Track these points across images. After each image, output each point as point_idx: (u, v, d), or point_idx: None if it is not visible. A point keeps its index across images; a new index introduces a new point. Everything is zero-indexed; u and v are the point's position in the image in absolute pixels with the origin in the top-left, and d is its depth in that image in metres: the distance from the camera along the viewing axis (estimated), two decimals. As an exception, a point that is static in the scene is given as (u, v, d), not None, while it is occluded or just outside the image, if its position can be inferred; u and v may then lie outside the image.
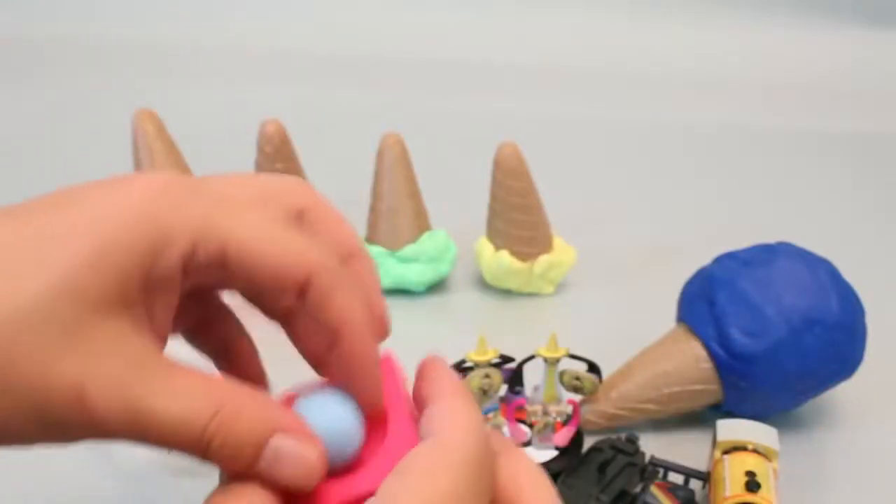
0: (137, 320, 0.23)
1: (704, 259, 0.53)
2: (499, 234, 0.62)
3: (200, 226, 0.23)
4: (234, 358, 0.29)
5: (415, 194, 0.63)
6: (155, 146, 0.62)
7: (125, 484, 0.46)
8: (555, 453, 0.46)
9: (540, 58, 1.20)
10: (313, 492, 0.24)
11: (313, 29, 1.26)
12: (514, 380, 0.47)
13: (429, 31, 1.24)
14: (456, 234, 0.65)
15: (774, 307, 0.47)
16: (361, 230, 0.64)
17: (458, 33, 1.24)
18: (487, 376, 0.46)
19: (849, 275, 0.50)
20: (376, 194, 0.62)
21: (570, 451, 0.47)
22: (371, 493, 0.24)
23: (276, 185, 0.27)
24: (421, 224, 0.63)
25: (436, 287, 0.65)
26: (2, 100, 1.05)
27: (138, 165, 0.62)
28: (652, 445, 0.48)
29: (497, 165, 0.60)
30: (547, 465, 0.46)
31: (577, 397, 0.49)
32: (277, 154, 0.64)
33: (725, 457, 0.43)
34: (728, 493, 0.41)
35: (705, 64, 1.16)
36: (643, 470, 0.44)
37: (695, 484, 0.44)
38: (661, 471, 0.44)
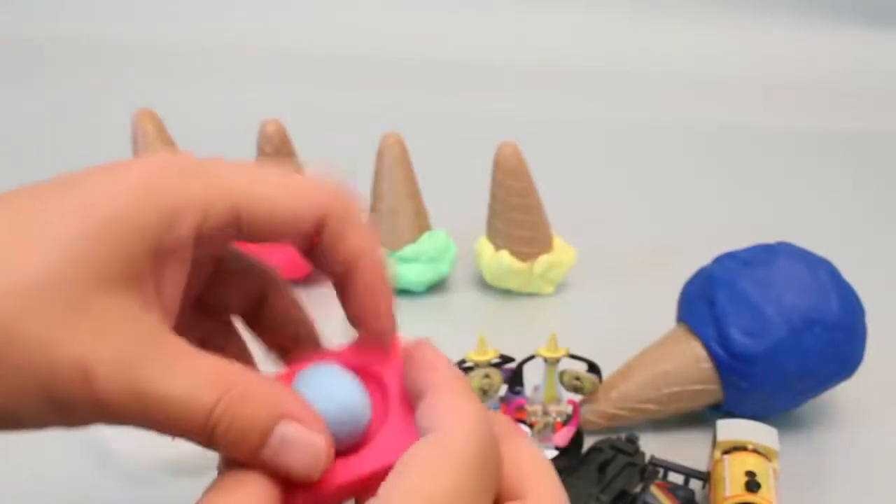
0: (146, 297, 0.22)
1: (704, 259, 0.53)
2: (499, 234, 0.62)
3: (207, 192, 0.23)
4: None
5: (415, 194, 0.63)
6: (155, 146, 0.62)
7: (125, 484, 0.46)
8: (555, 453, 0.46)
9: (540, 58, 1.19)
10: None
11: (313, 29, 1.26)
12: (514, 380, 0.47)
13: (429, 31, 1.24)
14: (456, 234, 0.65)
15: (774, 307, 0.47)
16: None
17: (458, 33, 1.24)
18: (487, 376, 0.46)
19: (849, 275, 0.50)
20: (376, 194, 0.62)
21: (570, 451, 0.47)
22: (374, 474, 0.23)
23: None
24: (421, 224, 0.63)
25: (436, 287, 0.65)
26: (2, 100, 1.05)
27: (138, 165, 0.62)
28: (652, 445, 0.48)
29: (497, 165, 0.60)
30: (547, 465, 0.46)
31: (577, 397, 0.49)
32: (277, 154, 0.64)
33: (725, 457, 0.43)
34: (728, 493, 0.41)
35: (705, 64, 1.16)
36: (643, 470, 0.44)
37: (695, 484, 0.44)
38: (661, 471, 0.44)
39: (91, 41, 1.24)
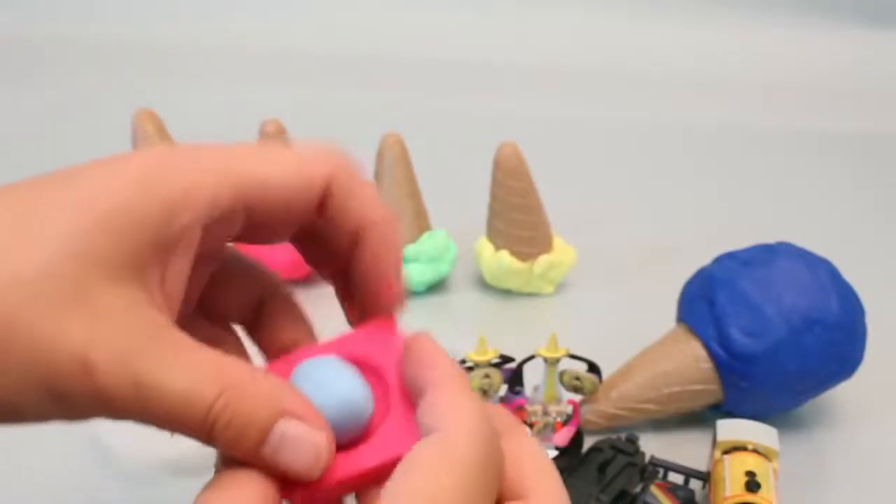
0: (149, 289, 0.22)
1: (704, 259, 0.53)
2: (499, 234, 0.62)
3: (209, 180, 0.23)
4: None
5: (415, 194, 0.63)
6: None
7: (125, 484, 0.46)
8: (555, 453, 0.46)
9: (540, 58, 1.19)
10: None
11: (313, 29, 1.26)
12: (514, 380, 0.47)
13: (429, 31, 1.24)
14: (456, 234, 0.65)
15: (774, 307, 0.47)
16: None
17: (458, 33, 1.24)
18: (487, 376, 0.46)
19: (849, 275, 0.50)
20: (376, 194, 0.62)
21: (570, 451, 0.47)
22: (376, 469, 0.23)
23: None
24: (421, 224, 0.63)
25: (436, 287, 0.65)
26: (2, 100, 1.05)
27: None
28: (652, 445, 0.48)
29: (497, 165, 0.60)
30: (547, 465, 0.46)
31: (577, 397, 0.49)
32: (277, 154, 0.63)
33: (725, 457, 0.43)
34: (728, 493, 0.41)
35: (705, 64, 1.16)
36: (643, 470, 0.44)
37: (695, 484, 0.44)
38: (661, 471, 0.44)
39: (91, 41, 1.24)
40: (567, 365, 0.48)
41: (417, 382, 0.24)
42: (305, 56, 1.21)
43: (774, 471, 0.42)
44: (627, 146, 0.95)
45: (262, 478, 0.22)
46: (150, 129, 0.62)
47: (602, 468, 0.43)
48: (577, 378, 0.48)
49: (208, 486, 0.22)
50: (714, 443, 0.44)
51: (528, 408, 0.47)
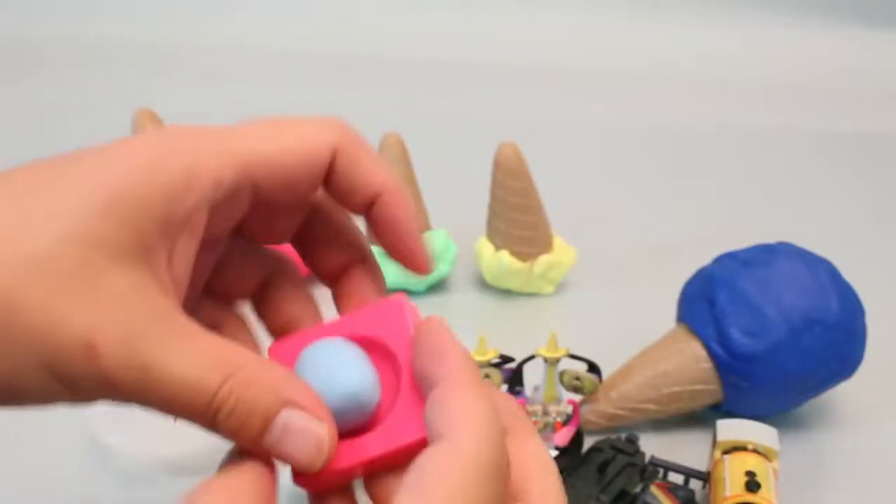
0: (155, 272, 0.22)
1: (704, 259, 0.53)
2: (499, 234, 0.62)
3: (213, 160, 0.23)
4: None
5: (415, 194, 0.63)
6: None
7: (125, 484, 0.46)
8: (555, 453, 0.46)
9: (540, 58, 1.19)
10: None
11: (313, 29, 1.26)
12: (514, 380, 0.47)
13: (429, 31, 1.24)
14: (456, 234, 0.65)
15: (774, 307, 0.47)
16: (361, 230, 0.64)
17: (458, 33, 1.24)
18: (487, 376, 0.46)
19: (849, 275, 0.50)
20: (376, 194, 0.62)
21: (570, 451, 0.47)
22: (380, 459, 0.23)
23: None
24: (421, 224, 0.63)
25: (436, 287, 0.65)
26: (2, 100, 1.05)
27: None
28: (652, 445, 0.48)
29: (497, 165, 0.60)
30: (547, 465, 0.46)
31: (577, 397, 0.49)
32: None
33: (725, 457, 0.43)
34: (728, 493, 0.41)
35: (705, 64, 1.16)
36: (643, 470, 0.44)
37: (695, 484, 0.44)
38: (661, 471, 0.44)
39: (91, 41, 1.24)
40: (567, 365, 0.48)
41: (427, 373, 0.23)
42: (305, 56, 1.21)
43: (774, 471, 0.42)
44: (627, 146, 0.95)
45: (263, 465, 0.22)
46: (150, 129, 0.62)
47: (602, 468, 0.43)
48: (577, 378, 0.48)
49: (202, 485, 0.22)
50: (714, 443, 0.44)
51: (528, 408, 0.47)
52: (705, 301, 0.49)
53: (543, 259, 0.62)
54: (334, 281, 0.28)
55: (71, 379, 0.20)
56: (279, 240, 0.28)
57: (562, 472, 0.45)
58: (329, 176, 0.25)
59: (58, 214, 0.20)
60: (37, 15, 1.30)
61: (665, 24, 1.21)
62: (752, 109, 1.05)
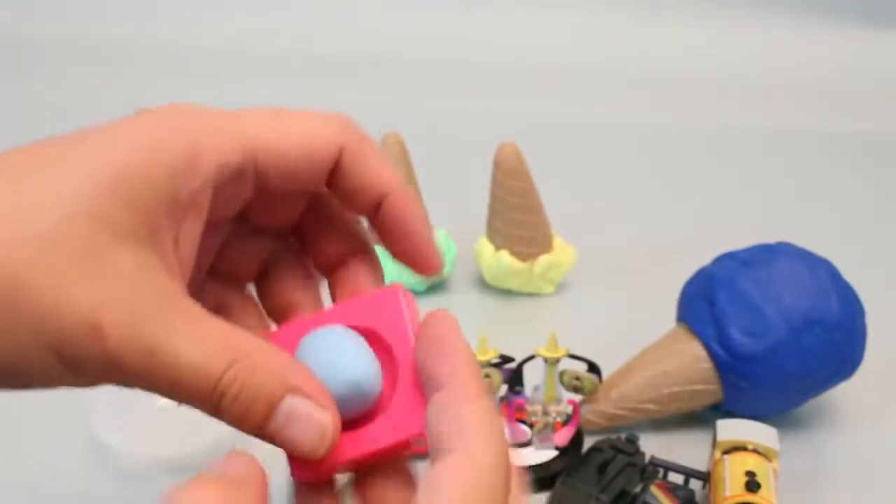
0: (161, 252, 0.21)
1: (704, 259, 0.53)
2: (499, 234, 0.62)
3: (219, 142, 0.23)
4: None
5: (415, 194, 0.63)
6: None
7: (125, 484, 0.46)
8: (555, 453, 0.46)
9: (540, 58, 1.19)
10: None
11: (313, 29, 1.26)
12: (514, 380, 0.47)
13: (429, 31, 1.24)
14: (456, 234, 0.65)
15: (774, 307, 0.47)
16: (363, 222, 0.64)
17: (458, 33, 1.24)
18: (487, 376, 0.46)
19: (849, 275, 0.50)
20: (376, 194, 0.62)
21: (570, 451, 0.47)
22: (382, 451, 0.23)
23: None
24: (429, 223, 0.63)
25: (436, 287, 0.65)
26: (2, 100, 1.05)
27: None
28: (652, 445, 0.48)
29: (497, 165, 0.60)
30: (547, 465, 0.46)
31: (577, 397, 0.49)
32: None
33: (725, 457, 0.43)
34: (728, 493, 0.41)
35: (705, 64, 1.16)
36: (643, 470, 0.44)
37: (695, 484, 0.44)
38: (661, 471, 0.44)
39: (91, 41, 1.24)
40: (567, 365, 0.48)
41: (430, 369, 0.23)
42: (305, 56, 1.21)
43: (774, 471, 0.42)
44: (627, 146, 0.95)
45: (253, 476, 0.21)
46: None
47: (602, 468, 0.43)
48: (577, 378, 0.48)
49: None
50: (714, 443, 0.44)
51: (528, 408, 0.47)
52: (705, 301, 0.49)
53: (543, 259, 0.62)
54: (332, 270, 0.28)
55: (75, 360, 0.20)
56: (281, 225, 0.27)
57: (562, 472, 0.45)
58: (335, 174, 0.25)
59: (61, 194, 0.20)
60: (37, 15, 1.30)
61: (665, 24, 1.21)
62: (752, 109, 1.05)
